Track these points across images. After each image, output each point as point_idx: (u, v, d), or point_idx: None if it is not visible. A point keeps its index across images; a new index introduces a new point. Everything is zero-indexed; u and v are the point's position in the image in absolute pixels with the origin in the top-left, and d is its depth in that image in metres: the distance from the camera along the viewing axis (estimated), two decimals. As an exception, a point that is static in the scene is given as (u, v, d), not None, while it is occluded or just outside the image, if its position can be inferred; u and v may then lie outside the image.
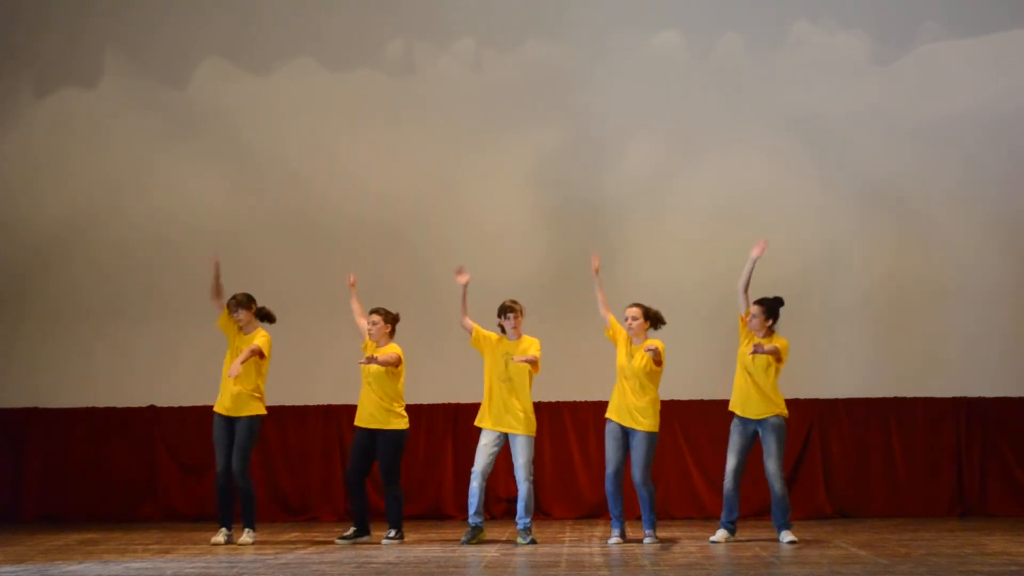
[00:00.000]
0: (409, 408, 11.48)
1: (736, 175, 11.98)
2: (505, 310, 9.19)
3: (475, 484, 9.08)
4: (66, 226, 12.15)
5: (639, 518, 9.17)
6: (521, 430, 9.06)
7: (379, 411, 9.30)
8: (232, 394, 9.30)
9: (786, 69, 12.11)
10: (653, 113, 12.10)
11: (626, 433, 8.99)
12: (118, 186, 12.23)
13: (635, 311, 9.11)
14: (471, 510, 9.11)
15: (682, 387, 11.20)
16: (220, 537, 9.21)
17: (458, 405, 11.56)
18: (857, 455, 11.61)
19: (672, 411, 11.58)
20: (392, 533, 9.30)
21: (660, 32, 12.23)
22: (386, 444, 9.30)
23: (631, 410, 8.94)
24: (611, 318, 9.18)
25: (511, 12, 12.27)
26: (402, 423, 9.37)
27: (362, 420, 9.34)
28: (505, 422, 9.07)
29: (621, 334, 9.11)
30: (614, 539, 8.95)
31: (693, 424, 11.43)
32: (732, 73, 12.13)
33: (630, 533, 9.18)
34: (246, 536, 9.26)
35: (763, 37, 12.17)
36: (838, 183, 11.97)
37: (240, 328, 9.47)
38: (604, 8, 12.22)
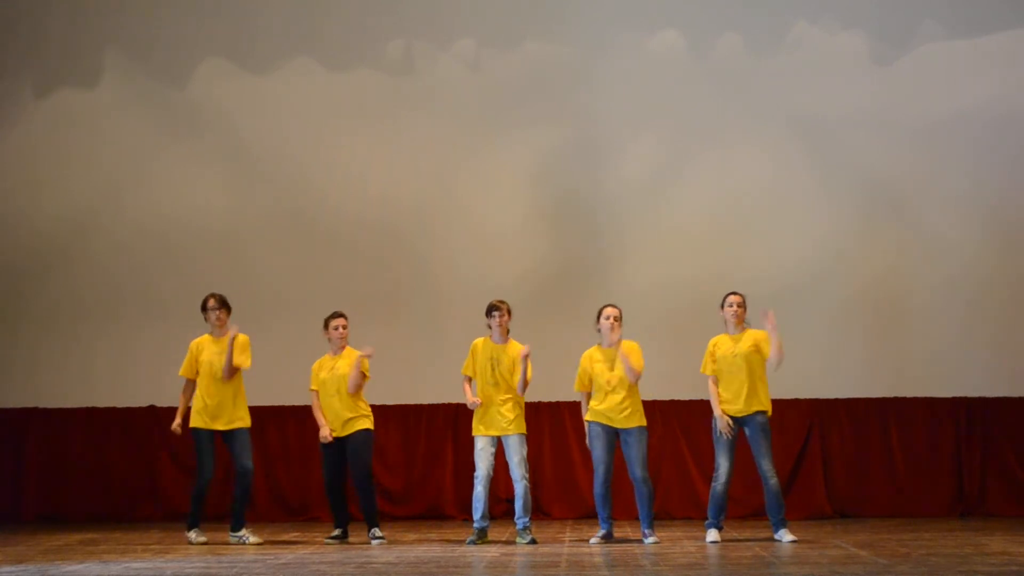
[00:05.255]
0: (409, 408, 11.48)
1: (736, 175, 11.98)
2: (492, 309, 9.16)
3: (479, 489, 9.06)
4: (66, 226, 12.16)
5: (636, 518, 9.16)
6: (511, 430, 9.05)
7: (350, 414, 9.30)
8: (230, 412, 9.34)
9: (786, 69, 12.11)
10: (653, 113, 12.10)
11: (615, 434, 8.96)
12: (118, 186, 12.23)
13: (615, 311, 9.05)
14: (476, 515, 9.09)
15: (682, 387, 11.21)
16: (203, 536, 9.24)
17: (458, 405, 11.53)
18: (857, 455, 11.59)
19: (672, 411, 11.60)
20: (378, 532, 9.29)
21: (660, 32, 12.23)
22: (363, 445, 9.31)
23: (620, 409, 8.89)
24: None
25: (511, 12, 12.27)
26: (370, 422, 9.42)
27: (337, 431, 9.33)
28: (495, 425, 9.07)
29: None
30: (596, 539, 8.91)
31: (693, 424, 11.41)
32: (732, 73, 12.13)
33: (629, 533, 9.16)
34: (253, 535, 9.28)
35: (763, 37, 12.17)
36: (838, 183, 11.96)
37: (211, 332, 9.42)
38: (604, 8, 12.23)
